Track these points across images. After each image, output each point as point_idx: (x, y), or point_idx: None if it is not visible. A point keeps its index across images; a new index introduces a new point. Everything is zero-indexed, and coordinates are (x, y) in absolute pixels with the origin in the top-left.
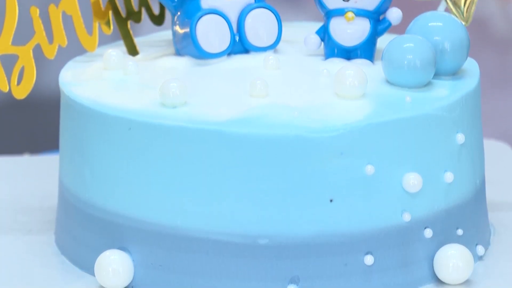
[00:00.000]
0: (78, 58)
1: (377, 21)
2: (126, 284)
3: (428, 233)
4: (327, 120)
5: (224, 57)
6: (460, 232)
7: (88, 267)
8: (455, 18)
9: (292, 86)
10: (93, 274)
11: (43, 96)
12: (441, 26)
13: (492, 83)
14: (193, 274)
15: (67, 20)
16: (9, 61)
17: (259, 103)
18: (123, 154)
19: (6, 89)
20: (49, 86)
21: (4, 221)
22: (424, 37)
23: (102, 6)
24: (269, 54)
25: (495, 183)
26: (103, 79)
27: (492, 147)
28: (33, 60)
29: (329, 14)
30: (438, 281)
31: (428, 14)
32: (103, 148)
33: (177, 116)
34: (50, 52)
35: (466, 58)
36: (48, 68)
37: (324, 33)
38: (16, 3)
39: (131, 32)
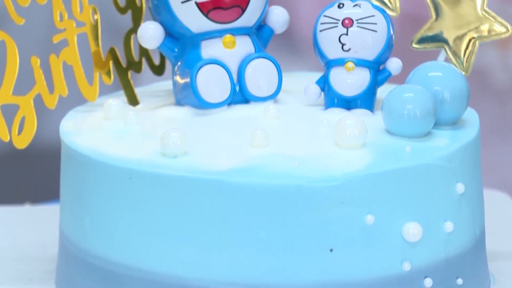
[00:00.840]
0: (78, 108)
1: (377, 71)
2: None
3: (428, 282)
4: (327, 170)
5: (225, 107)
6: (460, 281)
7: None
8: (455, 68)
9: (292, 136)
10: None
11: (44, 146)
12: (441, 76)
13: (492, 133)
14: None
15: (68, 70)
16: (10, 111)
17: (259, 153)
18: (124, 203)
19: (7, 139)
20: (50, 136)
21: (5, 270)
22: (424, 87)
23: (103, 56)
24: (269, 104)
25: (495, 232)
26: (103, 129)
27: (492, 197)
28: (33, 110)
29: (329, 64)
30: None
31: (428, 64)
32: (104, 198)
33: (177, 166)
34: (51, 102)
35: (466, 108)
36: (48, 118)
37: (324, 83)
38: (17, 53)
39: (131, 82)
